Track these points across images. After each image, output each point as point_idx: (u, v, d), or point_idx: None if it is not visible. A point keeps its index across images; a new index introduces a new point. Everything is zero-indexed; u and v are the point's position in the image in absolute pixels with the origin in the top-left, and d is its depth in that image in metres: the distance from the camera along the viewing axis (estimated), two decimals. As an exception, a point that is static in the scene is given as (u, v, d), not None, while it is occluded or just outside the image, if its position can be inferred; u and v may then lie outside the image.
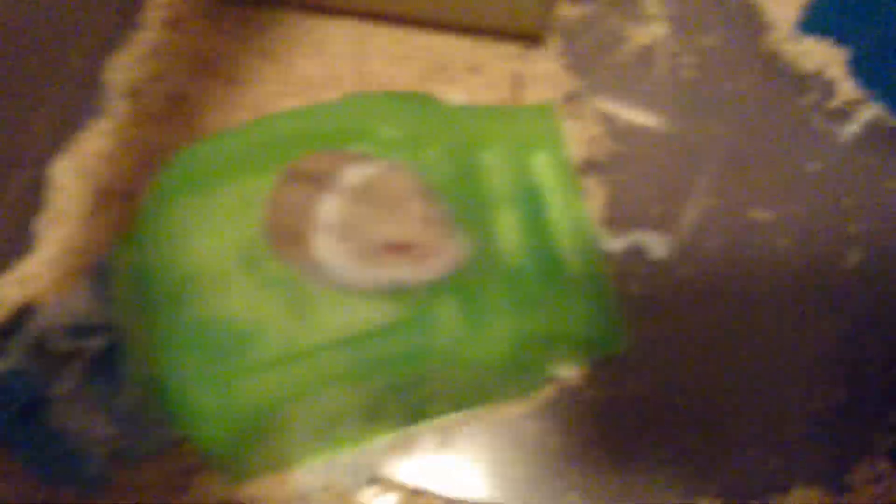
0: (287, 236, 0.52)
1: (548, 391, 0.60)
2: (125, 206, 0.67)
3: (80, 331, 0.63)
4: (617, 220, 0.63)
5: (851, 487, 0.56)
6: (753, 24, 0.67)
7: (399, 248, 0.46)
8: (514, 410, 0.60)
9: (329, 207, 0.48)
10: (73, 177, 0.68)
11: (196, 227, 0.56)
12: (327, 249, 0.49)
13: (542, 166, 0.62)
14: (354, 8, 0.67)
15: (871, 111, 0.63)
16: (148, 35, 0.72)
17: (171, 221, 0.57)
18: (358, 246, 0.47)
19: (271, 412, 0.54)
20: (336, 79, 0.68)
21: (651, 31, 0.67)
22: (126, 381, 0.61)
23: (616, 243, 0.62)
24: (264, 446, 0.58)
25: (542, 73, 0.67)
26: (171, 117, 0.69)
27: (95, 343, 0.62)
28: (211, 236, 0.56)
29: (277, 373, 0.53)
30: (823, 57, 0.65)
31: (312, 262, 0.50)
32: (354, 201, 0.47)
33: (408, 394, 0.57)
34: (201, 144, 0.59)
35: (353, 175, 0.48)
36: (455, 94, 0.67)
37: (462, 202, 0.55)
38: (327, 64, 0.69)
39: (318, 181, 0.49)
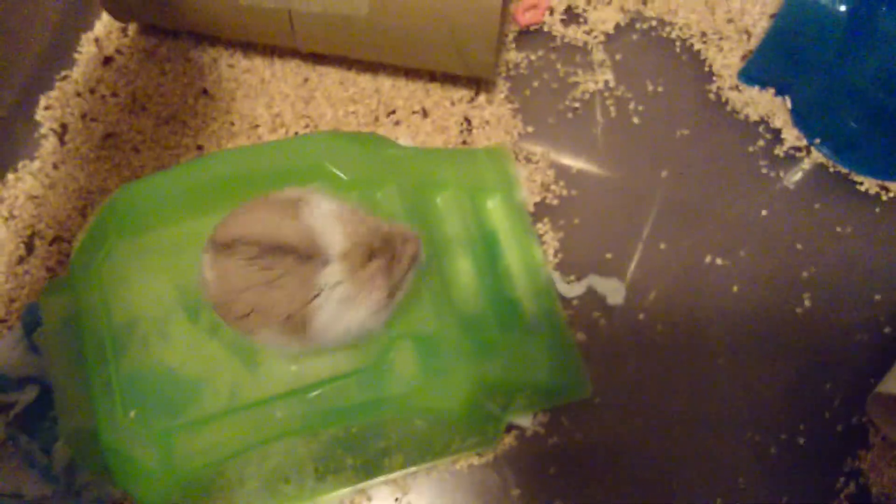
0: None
1: (507, 440, 0.58)
2: (56, 250, 0.63)
3: (5, 383, 0.58)
4: (572, 265, 0.62)
5: (815, 534, 0.56)
6: (698, 72, 0.68)
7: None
8: (474, 461, 0.58)
9: None
10: (0, 220, 0.64)
11: (134, 272, 0.53)
12: None
13: (497, 210, 0.61)
14: (300, 49, 0.66)
15: (815, 158, 0.64)
16: (82, 72, 0.68)
17: (107, 266, 0.53)
18: None
19: (218, 468, 0.51)
20: (280, 120, 0.66)
21: (598, 78, 0.68)
22: (57, 437, 0.57)
23: (572, 289, 0.61)
24: (210, 504, 0.55)
25: (491, 117, 0.66)
26: (104, 158, 0.66)
27: (22, 396, 0.58)
28: (150, 281, 0.53)
29: (224, 426, 0.49)
30: (767, 106, 0.66)
31: None
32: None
33: (363, 447, 0.55)
34: (139, 184, 0.56)
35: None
36: (403, 138, 0.65)
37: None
38: (271, 105, 0.67)
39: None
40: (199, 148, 0.65)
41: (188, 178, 0.54)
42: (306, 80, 0.68)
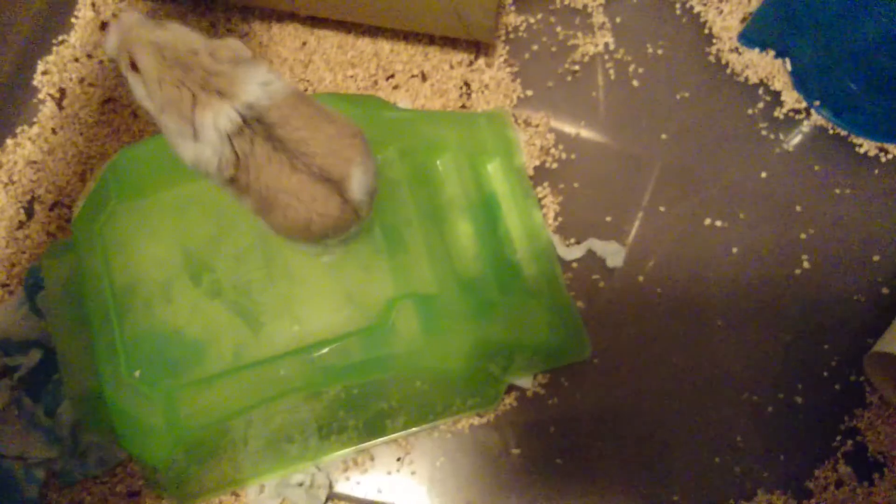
0: None
1: (508, 401, 0.59)
2: (56, 215, 0.63)
3: (9, 347, 0.58)
4: (571, 228, 0.62)
5: (813, 492, 0.57)
6: (698, 35, 0.67)
7: None
8: (475, 421, 0.59)
9: None
10: (0, 186, 0.64)
11: (136, 235, 0.53)
12: None
13: (497, 174, 0.61)
14: (298, 12, 0.65)
15: (814, 120, 0.64)
16: (80, 36, 0.68)
17: (108, 229, 0.53)
18: None
19: (222, 427, 0.51)
20: (279, 85, 0.66)
21: (598, 41, 0.67)
22: (61, 400, 0.57)
23: (572, 252, 0.61)
24: (214, 464, 0.55)
25: (490, 81, 0.66)
26: (103, 122, 0.65)
27: (26, 360, 0.58)
28: (152, 244, 0.53)
29: (228, 386, 0.50)
30: (767, 68, 0.66)
31: None
32: None
33: (365, 408, 0.55)
34: (139, 148, 0.56)
35: None
36: (402, 101, 0.65)
37: (417, 208, 0.53)
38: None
39: None
40: (199, 112, 0.65)
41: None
42: (304, 43, 0.67)
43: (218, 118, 0.42)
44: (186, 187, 0.53)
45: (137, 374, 0.50)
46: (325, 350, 0.49)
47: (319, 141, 0.44)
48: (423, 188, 0.55)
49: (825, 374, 0.59)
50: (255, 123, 0.43)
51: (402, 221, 0.52)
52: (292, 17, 0.68)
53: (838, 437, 0.58)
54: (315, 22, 0.68)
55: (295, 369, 0.50)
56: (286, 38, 0.67)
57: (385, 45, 0.67)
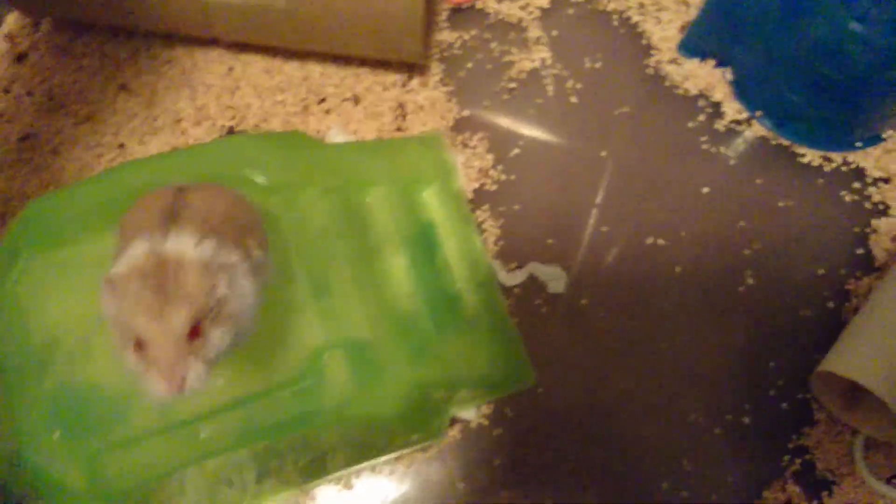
0: None
1: (452, 434, 0.58)
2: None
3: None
4: (512, 253, 0.61)
5: (762, 514, 0.56)
6: (636, 46, 0.66)
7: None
8: (418, 456, 0.57)
9: None
10: None
11: (52, 288, 0.51)
12: None
13: (433, 201, 0.59)
14: (220, 38, 0.63)
15: (756, 131, 0.63)
16: (-8, 71, 0.65)
17: (23, 281, 0.51)
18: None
19: (148, 487, 0.49)
20: (205, 113, 0.64)
21: (534, 56, 0.66)
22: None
23: (513, 277, 0.60)
24: (149, 511, 0.53)
25: (425, 101, 0.64)
26: (22, 161, 0.63)
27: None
28: (70, 298, 0.50)
29: (153, 446, 0.48)
30: (707, 79, 0.64)
31: None
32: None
33: (303, 449, 0.53)
34: (54, 196, 0.53)
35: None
36: (334, 127, 0.63)
37: (346, 249, 0.51)
38: (196, 97, 0.64)
39: None
40: (121, 146, 0.63)
41: (101, 191, 0.52)
42: (231, 69, 0.65)
43: None
44: (102, 238, 0.51)
45: (57, 434, 0.48)
46: (253, 406, 0.48)
47: None
48: (351, 227, 0.53)
49: (772, 392, 0.58)
50: None
51: (330, 264, 0.50)
52: (216, 42, 0.65)
53: (787, 457, 0.57)
54: (240, 47, 0.65)
55: (223, 427, 0.48)
56: (211, 63, 0.65)
57: (315, 69, 0.65)
